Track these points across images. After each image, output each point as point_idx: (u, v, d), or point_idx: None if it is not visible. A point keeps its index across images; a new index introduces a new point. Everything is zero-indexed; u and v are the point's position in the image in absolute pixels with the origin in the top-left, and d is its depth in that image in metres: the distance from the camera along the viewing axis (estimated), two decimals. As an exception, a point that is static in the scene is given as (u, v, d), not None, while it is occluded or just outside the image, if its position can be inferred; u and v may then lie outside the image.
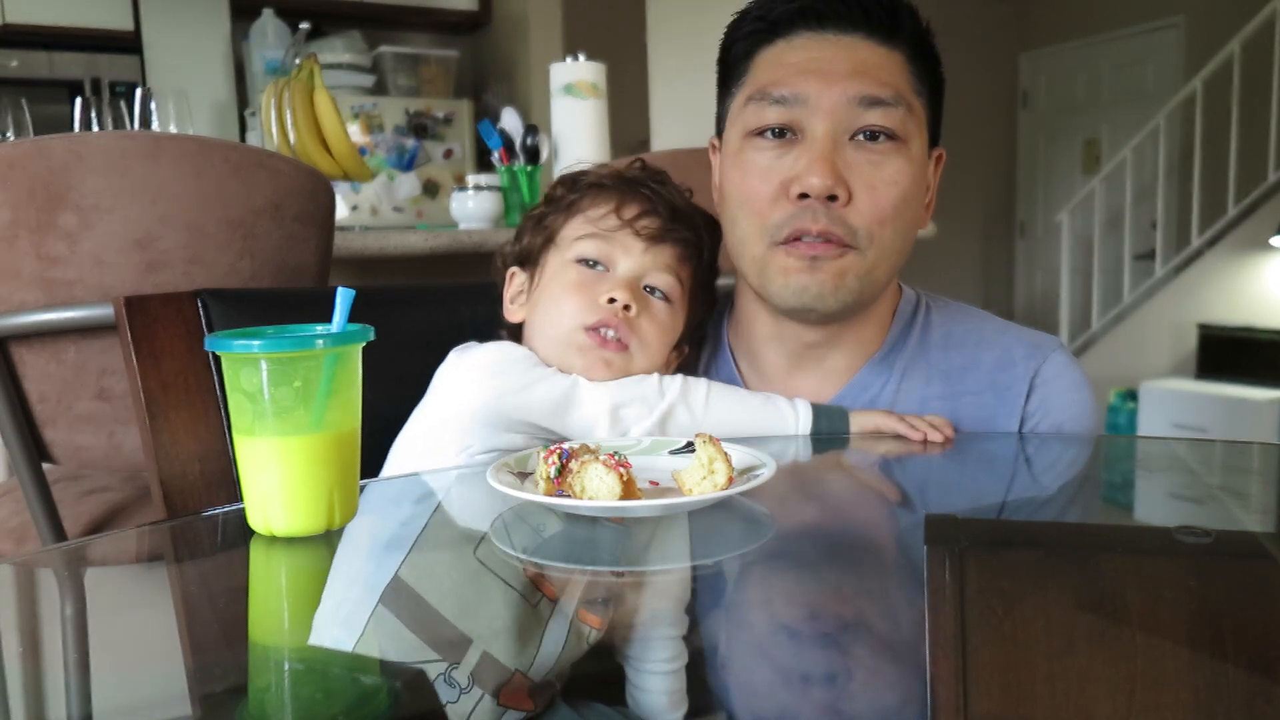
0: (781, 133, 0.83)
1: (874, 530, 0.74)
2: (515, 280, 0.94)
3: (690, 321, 0.92)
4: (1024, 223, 6.38)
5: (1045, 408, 0.90)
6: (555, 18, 3.78)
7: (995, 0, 6.05)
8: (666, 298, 0.88)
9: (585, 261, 0.87)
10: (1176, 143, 5.05)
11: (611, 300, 0.85)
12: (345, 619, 0.55)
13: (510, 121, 2.11)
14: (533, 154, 2.10)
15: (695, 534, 0.67)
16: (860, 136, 0.82)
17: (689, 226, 0.89)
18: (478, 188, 2.07)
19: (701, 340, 0.98)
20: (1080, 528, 0.73)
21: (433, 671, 0.48)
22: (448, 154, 3.61)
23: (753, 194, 0.84)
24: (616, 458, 0.66)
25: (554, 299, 0.87)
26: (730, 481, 0.66)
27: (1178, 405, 4.29)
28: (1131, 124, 5.35)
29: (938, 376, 0.91)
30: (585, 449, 0.69)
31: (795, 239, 0.83)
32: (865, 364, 0.92)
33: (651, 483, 0.72)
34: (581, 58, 2.18)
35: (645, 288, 0.87)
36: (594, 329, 0.85)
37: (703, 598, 0.60)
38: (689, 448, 0.76)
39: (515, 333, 0.93)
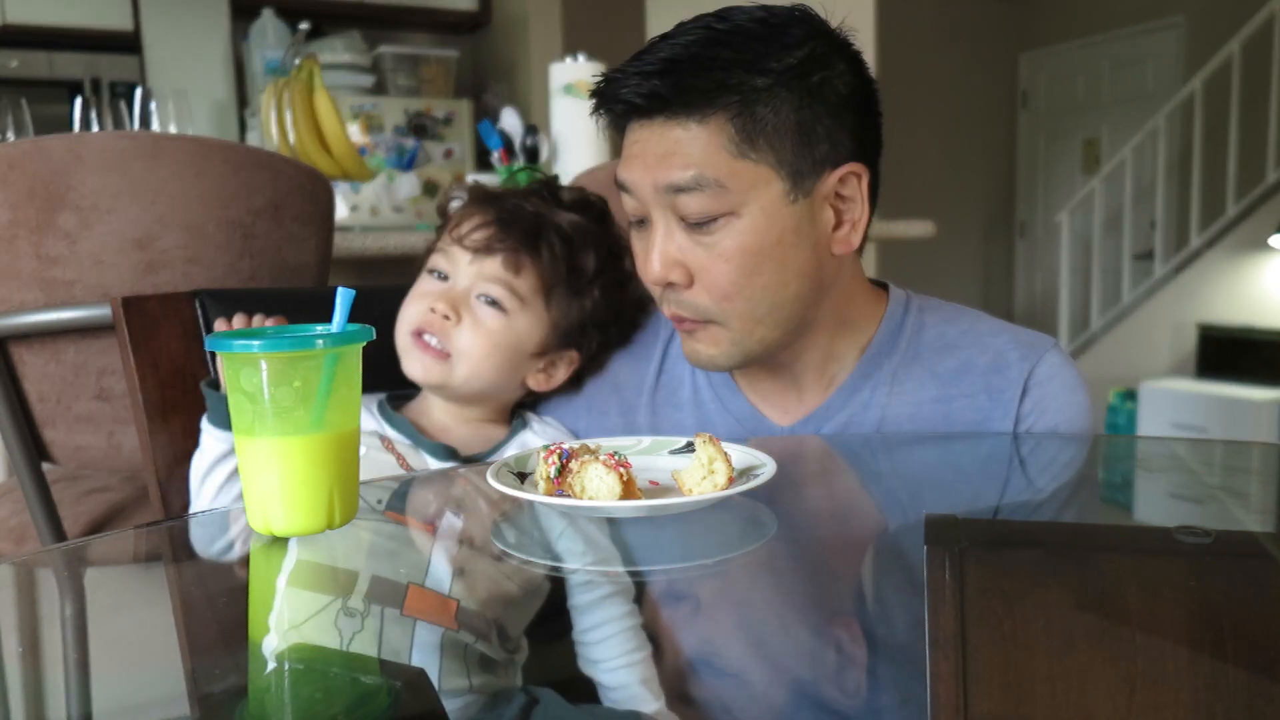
0: (641, 221, 0.85)
1: (874, 530, 0.74)
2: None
3: (559, 324, 0.96)
4: (1024, 223, 6.38)
5: (1040, 409, 0.89)
6: (555, 18, 3.77)
7: (995, 0, 6.06)
8: (500, 305, 0.94)
9: (433, 272, 0.96)
10: (1176, 143, 5.05)
11: (432, 309, 0.93)
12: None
13: (510, 122, 2.11)
14: (532, 154, 2.10)
15: (695, 534, 0.67)
16: (688, 221, 0.81)
17: (521, 236, 0.94)
18: (478, 188, 2.06)
19: (607, 342, 1.01)
20: (1080, 527, 0.73)
21: (331, 611, 0.50)
22: (448, 154, 3.61)
23: (643, 280, 0.87)
24: (616, 458, 0.66)
25: (405, 304, 0.97)
26: (730, 481, 0.66)
27: (1177, 405, 4.29)
28: (1131, 124, 5.36)
29: (931, 380, 0.91)
30: (585, 449, 0.69)
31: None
32: (854, 369, 0.92)
33: (651, 483, 0.72)
34: (581, 58, 2.18)
35: (479, 297, 0.94)
36: (417, 333, 0.94)
37: (702, 598, 0.60)
38: (689, 448, 0.76)
39: None
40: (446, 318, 0.93)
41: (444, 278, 0.96)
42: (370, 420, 0.96)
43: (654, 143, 0.80)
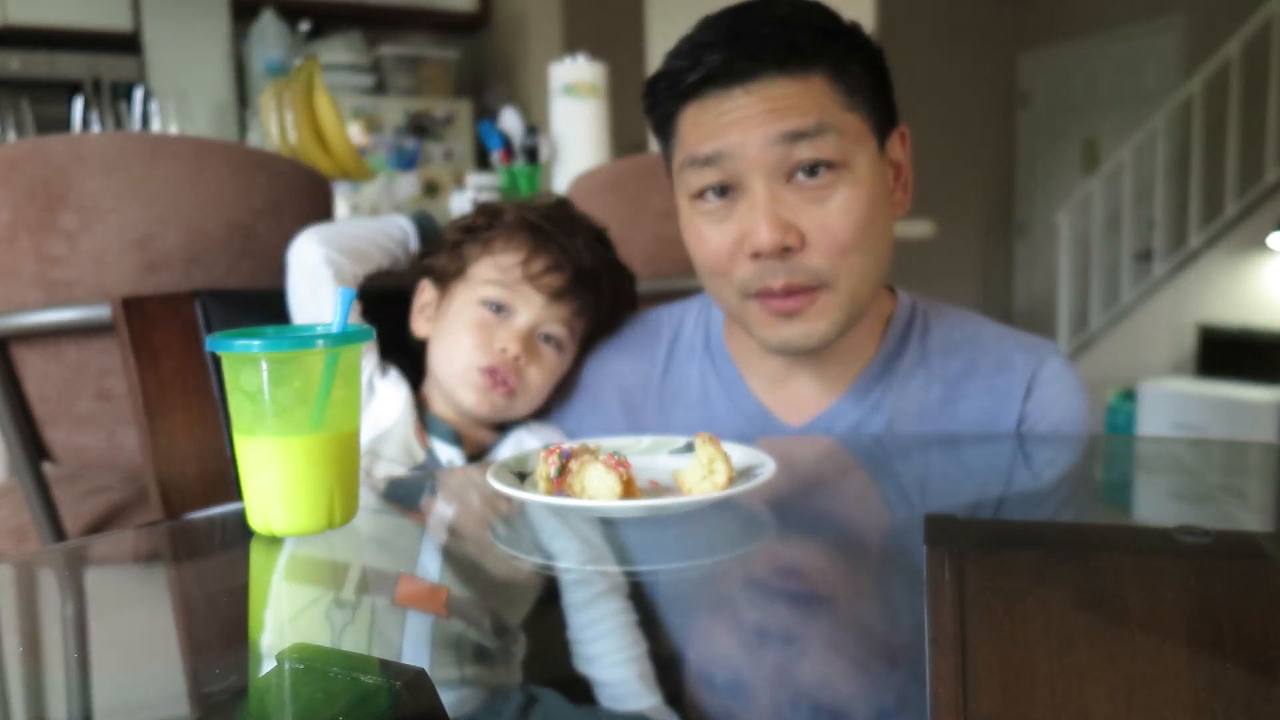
0: (723, 190, 0.83)
1: (874, 530, 0.75)
2: (425, 293, 1.01)
3: (579, 352, 1.02)
4: (1023, 223, 6.38)
5: (1042, 410, 0.91)
6: (555, 18, 3.78)
7: (995, 0, 6.06)
8: (559, 345, 0.98)
9: (489, 304, 0.95)
10: (1175, 143, 5.05)
11: (504, 350, 0.94)
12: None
13: (510, 122, 2.12)
14: (532, 154, 2.10)
15: (695, 534, 0.67)
16: (799, 175, 0.80)
17: (590, 286, 0.98)
18: (478, 188, 2.07)
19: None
20: (1080, 527, 0.73)
21: (323, 604, 0.50)
22: (448, 154, 3.61)
23: (711, 257, 0.85)
24: (616, 458, 0.66)
25: (456, 334, 0.95)
26: (730, 481, 0.66)
27: (1177, 405, 4.29)
28: (1130, 124, 5.36)
29: (937, 383, 0.92)
30: (585, 449, 0.69)
31: (765, 294, 0.83)
32: (864, 369, 0.92)
33: (651, 483, 0.72)
34: (581, 58, 2.18)
35: (541, 335, 0.96)
36: (488, 371, 0.94)
37: (702, 599, 0.60)
38: (689, 448, 0.76)
39: (421, 344, 1.01)
40: (518, 358, 0.94)
41: (499, 309, 0.95)
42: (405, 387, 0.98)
43: (758, 102, 0.80)
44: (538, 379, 0.96)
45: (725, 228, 0.83)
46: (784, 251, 0.80)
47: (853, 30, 0.84)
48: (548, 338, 0.97)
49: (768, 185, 0.80)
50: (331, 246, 0.95)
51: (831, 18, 0.83)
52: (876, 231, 0.83)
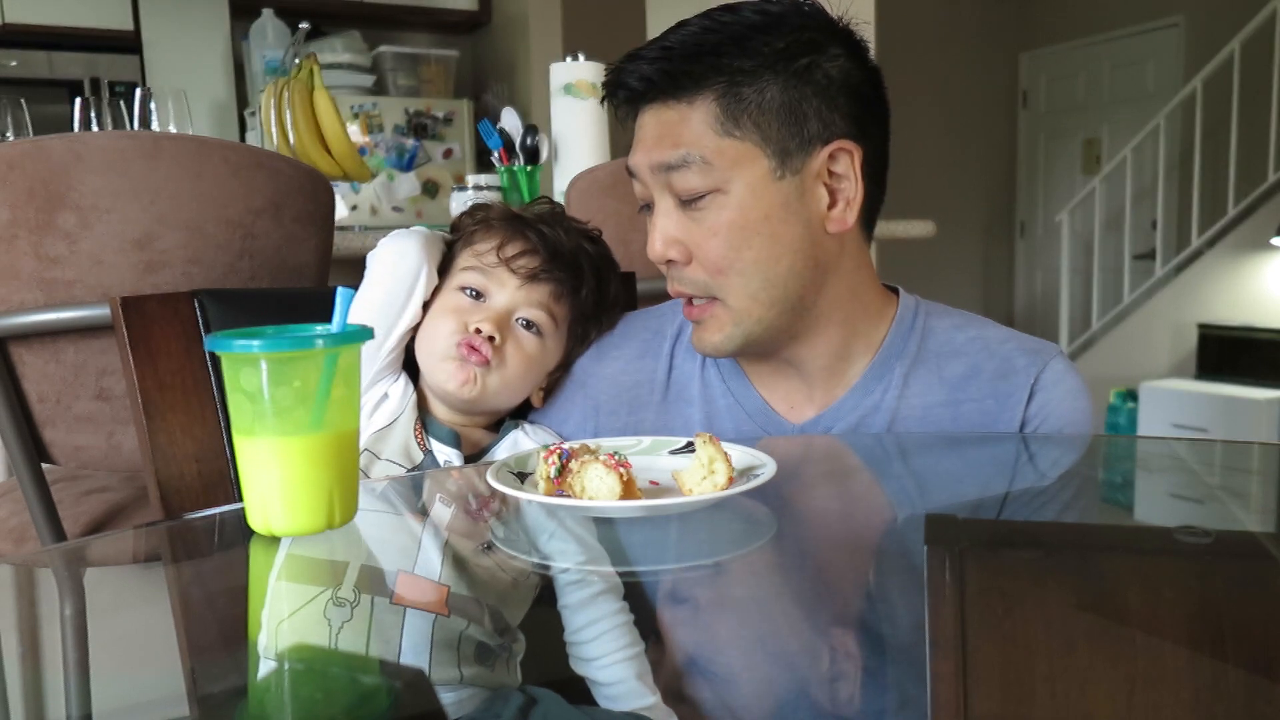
0: (648, 205, 0.89)
1: (874, 530, 0.74)
2: None
3: (573, 349, 1.03)
4: (1024, 223, 6.38)
5: (1045, 413, 0.91)
6: (555, 18, 3.78)
7: (995, 0, 6.06)
8: (538, 330, 0.97)
9: (467, 290, 0.97)
10: (1176, 143, 5.05)
11: (478, 330, 0.94)
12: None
13: (510, 121, 2.11)
14: (532, 154, 2.09)
15: (695, 534, 0.67)
16: (682, 199, 0.85)
17: (567, 268, 0.98)
18: (477, 188, 2.06)
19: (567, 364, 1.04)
20: (1080, 528, 0.73)
21: (321, 602, 0.50)
22: (447, 154, 3.61)
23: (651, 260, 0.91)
24: (616, 458, 0.66)
25: (434, 319, 0.97)
26: (730, 481, 0.66)
27: (1178, 405, 4.29)
28: (1131, 124, 5.36)
29: (939, 384, 0.92)
30: (585, 449, 0.69)
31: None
32: (866, 369, 0.92)
33: (651, 483, 0.72)
34: (581, 58, 2.18)
35: (518, 320, 0.97)
36: (462, 344, 0.94)
37: (702, 599, 0.60)
38: (689, 448, 0.76)
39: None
40: (491, 338, 0.94)
41: (478, 296, 0.96)
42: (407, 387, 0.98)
43: (651, 127, 0.86)
44: (515, 361, 0.96)
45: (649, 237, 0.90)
46: (672, 263, 0.87)
47: (788, 47, 0.83)
48: (527, 324, 0.96)
49: (662, 202, 0.87)
50: (429, 253, 0.97)
51: (750, 38, 0.83)
52: (756, 253, 0.84)
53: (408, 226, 1.04)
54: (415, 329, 0.99)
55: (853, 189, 0.86)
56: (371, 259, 0.98)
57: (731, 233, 0.84)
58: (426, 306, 0.98)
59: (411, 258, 0.96)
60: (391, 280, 0.96)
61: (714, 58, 0.83)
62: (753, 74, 0.82)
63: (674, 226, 0.86)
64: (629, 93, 0.87)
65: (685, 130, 0.83)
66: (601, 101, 0.91)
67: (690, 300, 0.89)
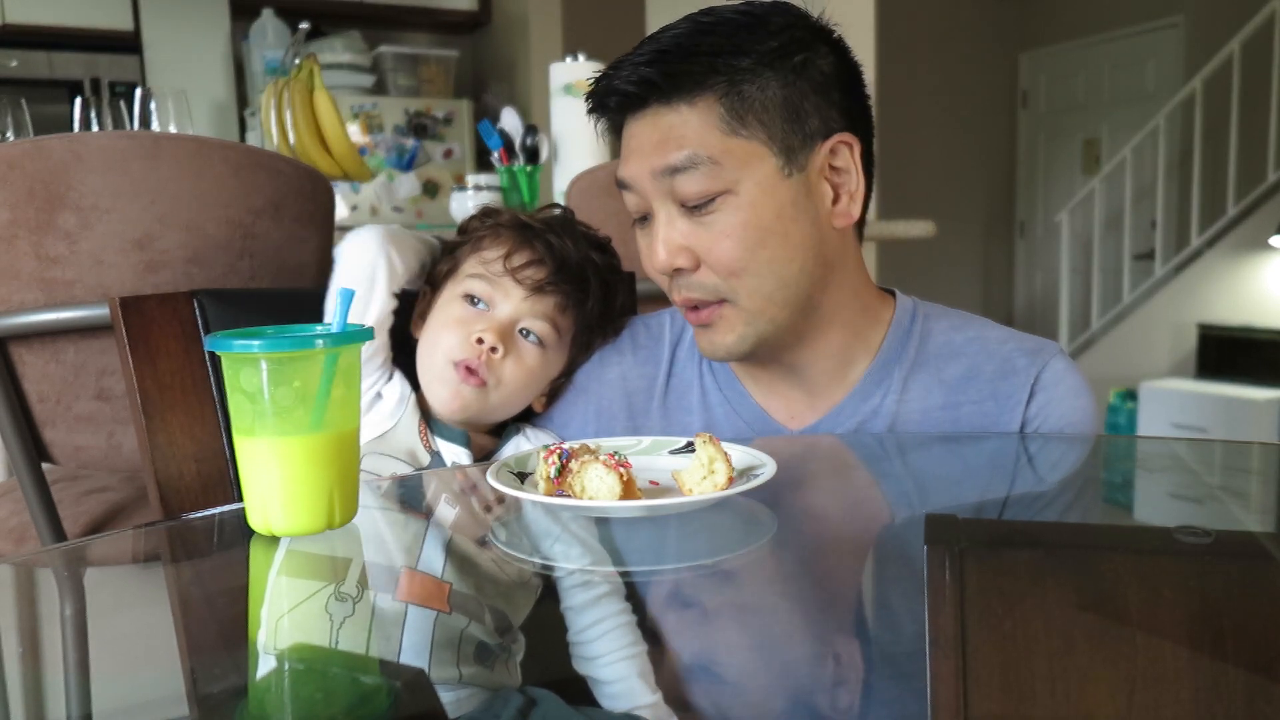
0: (644, 217, 0.87)
1: (874, 530, 0.74)
2: (425, 298, 1.01)
3: (576, 359, 1.01)
4: (1024, 223, 6.38)
5: (1045, 412, 0.90)
6: (555, 18, 3.78)
7: (995, 0, 6.06)
8: (541, 342, 0.96)
9: (470, 298, 0.95)
10: (1176, 143, 5.05)
11: (480, 340, 0.92)
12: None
13: (510, 121, 2.11)
14: (532, 154, 2.10)
15: (695, 534, 0.67)
16: (688, 204, 0.83)
17: (574, 280, 0.97)
18: (477, 188, 2.07)
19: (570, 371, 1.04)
20: (1080, 528, 0.73)
21: (322, 597, 0.50)
22: (447, 154, 3.61)
23: (650, 273, 0.89)
24: (616, 458, 0.66)
25: (437, 329, 0.95)
26: (730, 481, 0.66)
27: (1177, 405, 4.29)
28: (1131, 124, 5.36)
29: (939, 386, 0.91)
30: (585, 449, 0.69)
31: (684, 306, 0.88)
32: (864, 374, 0.92)
33: (651, 483, 0.72)
34: (581, 58, 2.18)
35: (521, 330, 0.95)
36: (460, 365, 0.93)
37: (702, 599, 0.60)
38: (689, 448, 0.76)
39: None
40: (494, 350, 0.93)
41: (479, 303, 0.95)
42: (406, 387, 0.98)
43: (648, 132, 0.84)
44: (514, 375, 0.94)
45: (646, 250, 0.88)
46: (679, 271, 0.85)
47: (782, 45, 0.83)
48: (528, 334, 0.95)
49: (664, 210, 0.85)
50: (390, 244, 0.95)
51: (743, 37, 0.82)
52: (771, 252, 0.83)
53: (407, 227, 1.04)
54: (405, 328, 0.98)
55: (854, 181, 0.86)
56: (335, 257, 0.97)
57: (746, 234, 0.82)
58: (411, 302, 0.98)
59: (370, 250, 0.94)
60: (350, 274, 0.95)
61: (711, 57, 0.82)
62: (752, 72, 0.82)
63: (679, 233, 0.84)
64: (622, 98, 0.84)
65: (688, 131, 0.82)
66: (589, 113, 0.88)
67: (693, 306, 0.87)
